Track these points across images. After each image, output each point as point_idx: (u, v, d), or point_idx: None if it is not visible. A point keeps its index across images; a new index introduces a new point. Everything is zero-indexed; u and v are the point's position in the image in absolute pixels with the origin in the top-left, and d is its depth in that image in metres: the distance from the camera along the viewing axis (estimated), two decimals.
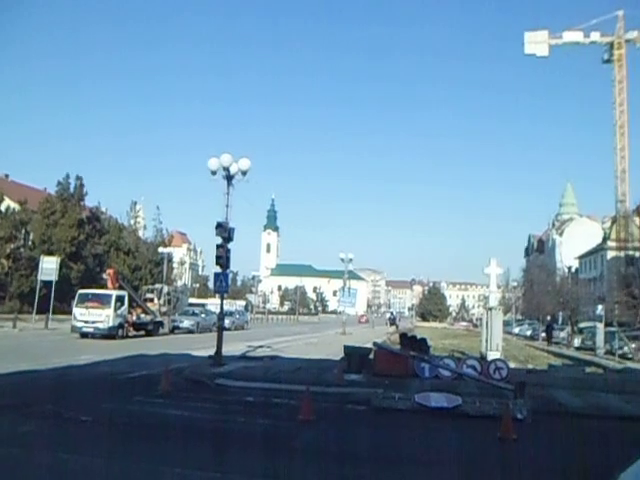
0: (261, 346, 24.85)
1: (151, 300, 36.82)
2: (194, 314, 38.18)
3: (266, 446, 7.56)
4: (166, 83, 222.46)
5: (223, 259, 17.07)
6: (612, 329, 33.20)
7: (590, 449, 7.89)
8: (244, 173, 17.11)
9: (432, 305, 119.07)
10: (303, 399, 9.58)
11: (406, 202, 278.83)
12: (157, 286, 43.34)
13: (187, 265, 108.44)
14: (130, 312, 28.43)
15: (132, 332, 28.49)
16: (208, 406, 10.55)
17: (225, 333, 18.19)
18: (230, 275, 22.29)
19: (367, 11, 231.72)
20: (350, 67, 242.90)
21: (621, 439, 7.38)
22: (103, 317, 25.93)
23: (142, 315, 30.10)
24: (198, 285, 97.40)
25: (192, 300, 64.46)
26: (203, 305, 50.46)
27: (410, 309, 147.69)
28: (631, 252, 56.06)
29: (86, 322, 25.85)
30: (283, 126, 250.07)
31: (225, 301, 20.18)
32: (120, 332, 26.72)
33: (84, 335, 25.60)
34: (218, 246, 17.10)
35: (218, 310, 24.47)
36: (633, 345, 29.18)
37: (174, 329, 34.37)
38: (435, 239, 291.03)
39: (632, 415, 10.97)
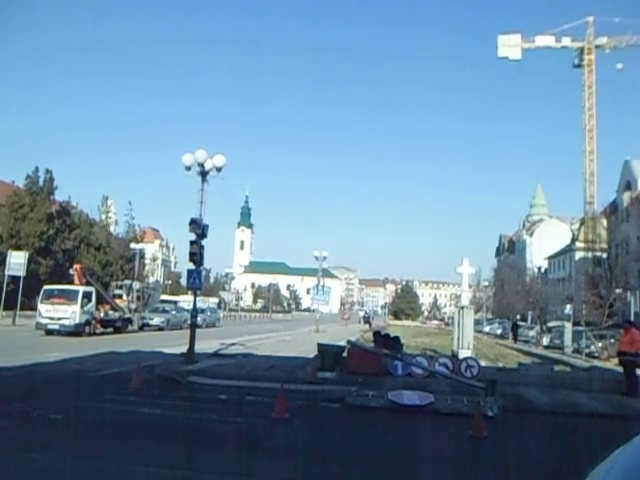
0: (234, 344, 24.70)
1: (120, 297, 36.18)
2: (164, 311, 37.71)
3: (239, 444, 7.52)
4: (140, 79, 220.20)
5: (197, 256, 16.91)
6: (580, 328, 33.87)
7: (559, 446, 8.04)
8: (219, 169, 16.96)
9: (405, 303, 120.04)
10: (277, 396, 9.56)
11: (380, 201, 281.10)
12: (126, 282, 42.63)
13: (159, 261, 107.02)
14: (98, 309, 27.88)
15: (100, 329, 27.96)
16: (180, 404, 10.45)
17: (197, 330, 18.03)
18: (203, 272, 22.10)
19: (342, 10, 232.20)
20: (326, 65, 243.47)
21: (589, 436, 7.54)
22: (69, 314, 25.31)
23: (110, 312, 29.56)
24: (170, 282, 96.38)
25: (164, 297, 63.80)
26: (175, 302, 49.95)
27: (383, 307, 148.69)
28: (598, 253, 57.38)
29: (51, 319, 25.22)
30: (258, 123, 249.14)
31: (198, 298, 19.99)
32: (87, 329, 26.15)
33: (49, 332, 25.00)
34: (192, 242, 16.93)
35: (190, 307, 24.30)
36: (600, 344, 29.82)
37: (143, 326, 33.85)
38: (408, 238, 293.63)
39: (599, 412, 11.23)
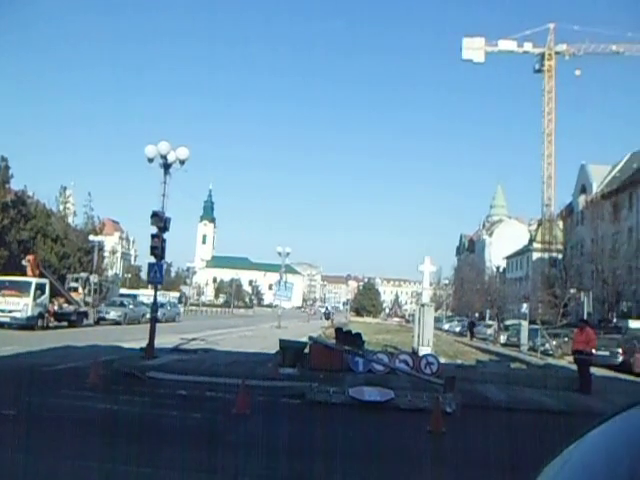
0: (195, 339, 24.47)
1: (75, 290, 35.30)
2: (122, 305, 36.93)
3: (200, 440, 7.46)
4: (102, 72, 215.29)
5: (158, 249, 16.68)
6: (535, 327, 34.76)
7: (515, 442, 8.24)
8: (182, 162, 16.75)
9: (367, 300, 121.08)
10: (238, 392, 9.52)
11: (343, 198, 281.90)
12: (82, 275, 41.63)
13: (119, 254, 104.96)
14: (52, 301, 27.07)
15: (53, 323, 27.15)
16: (139, 399, 10.27)
17: (157, 325, 17.78)
18: (165, 266, 21.81)
19: (311, 7, 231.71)
20: (291, 60, 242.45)
21: (543, 432, 7.76)
22: (21, 306, 24.50)
23: (65, 305, 28.77)
24: (130, 275, 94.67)
25: (123, 291, 62.62)
26: (135, 296, 49.12)
27: (345, 304, 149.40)
28: (554, 254, 59.03)
29: (2, 311, 24.38)
30: (222, 117, 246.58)
31: (158, 292, 19.71)
32: (40, 322, 25.37)
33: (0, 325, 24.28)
34: (153, 236, 16.68)
35: (149, 301, 23.93)
36: (554, 342, 30.68)
37: (99, 320, 33.13)
38: (371, 236, 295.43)
39: (553, 409, 11.57)
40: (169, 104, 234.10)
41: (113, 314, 34.30)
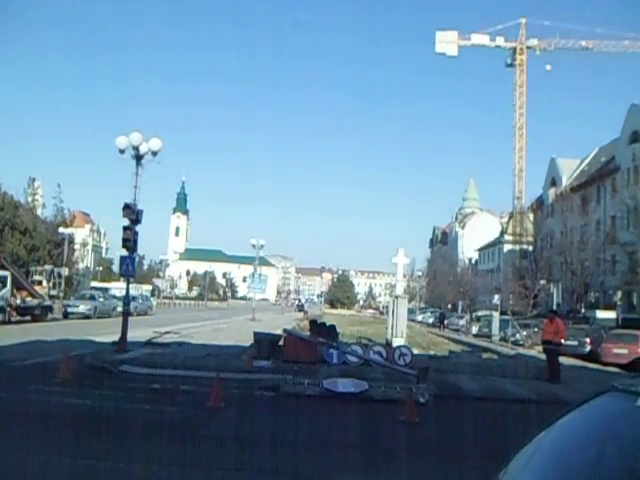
0: (168, 332, 24.25)
1: (39, 283, 34.32)
2: (92, 298, 35.99)
3: (173, 434, 7.41)
4: (72, 61, 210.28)
5: (130, 242, 16.43)
6: (506, 317, 35.38)
7: (486, 430, 8.40)
8: (154, 154, 16.50)
9: (341, 292, 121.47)
10: (212, 386, 9.47)
11: (318, 190, 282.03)
12: (47, 267, 40.58)
13: (90, 247, 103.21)
14: (14, 295, 26.28)
15: (16, 317, 26.27)
16: (111, 394, 10.15)
17: (129, 319, 17.56)
18: (137, 259, 21.53)
19: None
20: (260, 43, 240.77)
21: (514, 420, 7.89)
22: None
23: (28, 299, 28.03)
24: (102, 268, 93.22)
25: (95, 284, 61.69)
26: (106, 289, 48.34)
27: (319, 296, 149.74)
28: (525, 246, 60.02)
29: None
30: (195, 107, 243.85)
31: (131, 285, 19.44)
32: (1, 317, 24.62)
33: None
34: (125, 228, 16.43)
35: (121, 294, 23.50)
36: (524, 333, 31.27)
37: (68, 314, 32.34)
38: (345, 228, 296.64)
39: (523, 398, 11.79)
40: (142, 93, 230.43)
41: (82, 307, 33.42)
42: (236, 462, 6.38)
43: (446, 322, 51.53)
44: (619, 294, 45.31)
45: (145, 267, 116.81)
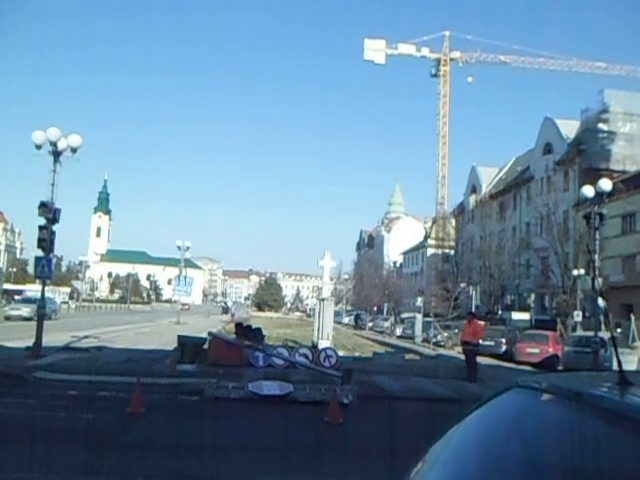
0: (87, 336, 23.27)
1: None
2: (32, 301, 34.04)
3: (91, 441, 7.11)
4: None
5: (46, 242, 15.66)
6: (429, 319, 36.52)
7: (407, 428, 8.63)
8: (74, 150, 15.82)
9: (268, 295, 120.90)
10: (133, 391, 9.20)
11: (244, 193, 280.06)
12: None
13: (2, 247, 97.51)
14: None
15: None
16: (24, 402, 9.65)
17: (46, 323, 16.74)
18: (54, 260, 20.56)
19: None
20: (183, 37, 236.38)
21: (433, 418, 8.16)
22: None
23: None
24: (15, 269, 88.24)
25: (8, 286, 58.33)
26: (21, 291, 45.78)
27: (247, 299, 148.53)
28: (447, 250, 62.23)
29: None
30: (118, 103, 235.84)
31: (48, 288, 18.54)
32: None
33: None
34: (41, 228, 15.64)
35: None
36: (446, 334, 32.38)
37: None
38: (273, 231, 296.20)
39: (442, 397, 12.23)
40: (62, 90, 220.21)
41: (25, 310, 31.80)
42: (156, 469, 6.23)
43: (362, 323, 54.56)
44: (533, 296, 47.87)
45: (64, 269, 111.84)
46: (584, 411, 1.70)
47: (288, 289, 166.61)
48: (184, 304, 79.89)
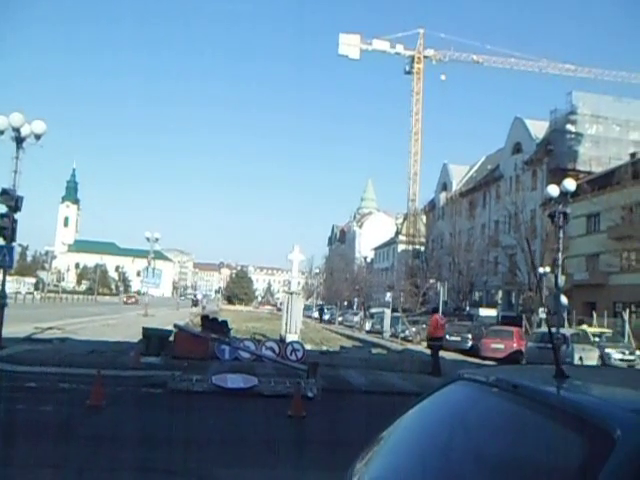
0: (51, 327, 22.81)
1: None
2: None
3: (48, 434, 6.99)
4: None
5: (8, 230, 15.27)
6: (397, 314, 36.84)
7: (369, 421, 8.67)
8: (38, 137, 15.44)
9: (239, 288, 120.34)
10: (93, 383, 9.06)
11: (216, 185, 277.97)
12: None
13: None
14: None
15: None
16: None
17: (8, 313, 16.33)
18: (17, 249, 20.08)
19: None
20: (160, 35, 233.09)
21: (395, 411, 8.26)
22: None
23: None
24: None
25: None
26: None
27: (217, 292, 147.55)
28: (417, 246, 62.83)
29: None
30: (86, 95, 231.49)
31: (10, 278, 18.12)
32: None
33: None
34: (2, 216, 15.26)
35: None
36: (413, 329, 32.70)
37: None
38: (244, 224, 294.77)
39: (406, 390, 12.34)
40: (27, 73, 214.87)
41: None
42: (113, 461, 6.15)
43: (332, 317, 55.61)
44: (500, 293, 48.73)
45: (29, 258, 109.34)
46: (520, 403, 1.74)
47: (259, 283, 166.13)
48: (129, 296, 77.40)
